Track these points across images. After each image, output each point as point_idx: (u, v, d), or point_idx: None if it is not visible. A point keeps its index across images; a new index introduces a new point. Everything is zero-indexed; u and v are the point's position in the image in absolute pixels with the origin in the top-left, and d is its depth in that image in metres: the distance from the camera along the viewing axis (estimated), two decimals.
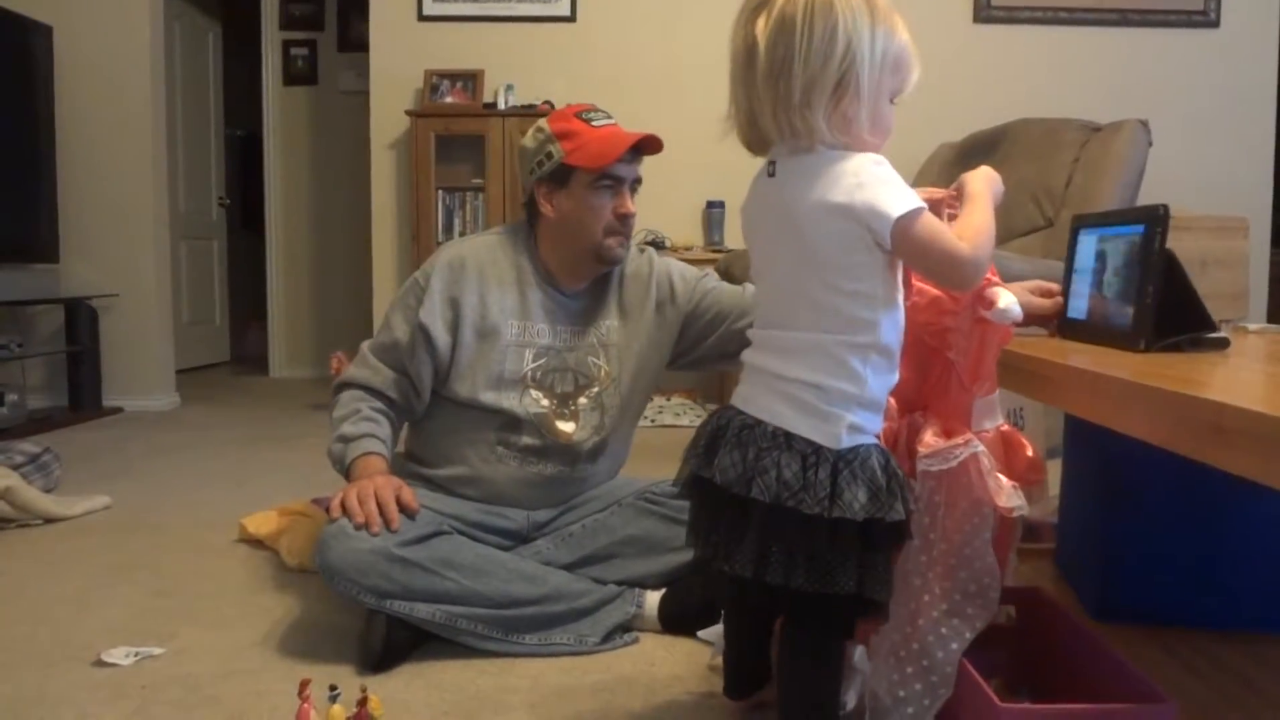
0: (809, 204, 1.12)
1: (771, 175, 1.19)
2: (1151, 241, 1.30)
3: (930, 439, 1.25)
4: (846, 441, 1.13)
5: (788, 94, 1.09)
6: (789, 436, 1.13)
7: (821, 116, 1.09)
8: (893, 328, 1.17)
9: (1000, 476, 1.23)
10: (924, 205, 1.11)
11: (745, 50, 1.13)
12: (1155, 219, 1.31)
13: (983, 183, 1.24)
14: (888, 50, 1.12)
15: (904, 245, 1.10)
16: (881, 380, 1.17)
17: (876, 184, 1.09)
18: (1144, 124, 3.37)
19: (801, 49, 1.08)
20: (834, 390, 1.13)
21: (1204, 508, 1.67)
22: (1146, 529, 1.70)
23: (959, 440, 1.23)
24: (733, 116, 1.20)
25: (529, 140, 1.81)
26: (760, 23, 1.11)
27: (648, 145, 1.78)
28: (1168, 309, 1.29)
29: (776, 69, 1.09)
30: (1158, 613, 1.67)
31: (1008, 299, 1.20)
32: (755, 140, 1.19)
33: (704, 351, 1.93)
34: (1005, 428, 1.31)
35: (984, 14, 4.60)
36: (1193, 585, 1.68)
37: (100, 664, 1.60)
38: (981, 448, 1.22)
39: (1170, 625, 1.66)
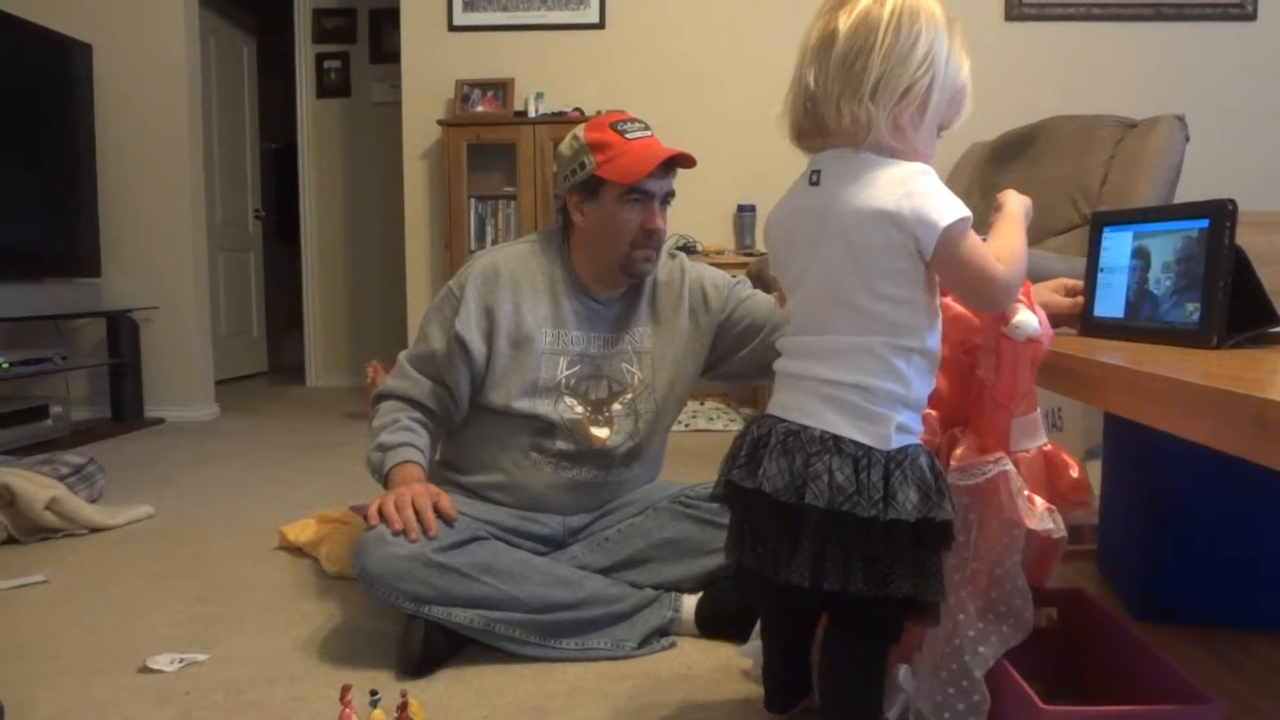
0: (855, 209, 1.11)
1: (814, 184, 1.18)
2: (1220, 236, 1.27)
3: (962, 453, 1.24)
4: (895, 442, 1.12)
5: (858, 81, 1.10)
6: (837, 440, 1.12)
7: (883, 113, 1.10)
8: (935, 334, 1.16)
9: (1034, 498, 1.21)
10: (970, 216, 1.10)
11: (823, 37, 1.14)
12: (1223, 213, 1.28)
13: (1019, 205, 1.24)
14: (955, 79, 1.14)
15: (944, 257, 1.10)
16: (924, 382, 1.16)
17: (926, 193, 1.09)
18: (1180, 119, 3.31)
19: (883, 44, 1.09)
20: (881, 391, 1.12)
21: (1247, 506, 1.65)
22: (1189, 528, 1.67)
23: (989, 457, 1.21)
24: (789, 103, 1.19)
25: (565, 148, 1.82)
26: (843, 16, 1.12)
27: (680, 162, 1.78)
28: (1237, 304, 1.26)
29: (853, 56, 1.10)
30: (1201, 613, 1.65)
31: (1023, 315, 1.17)
32: (807, 127, 1.18)
33: (739, 363, 1.93)
34: (1048, 447, 1.28)
35: (1016, 12, 4.57)
36: (1236, 585, 1.65)
37: (145, 670, 1.63)
38: (1011, 467, 1.20)
39: (1213, 625, 1.63)
